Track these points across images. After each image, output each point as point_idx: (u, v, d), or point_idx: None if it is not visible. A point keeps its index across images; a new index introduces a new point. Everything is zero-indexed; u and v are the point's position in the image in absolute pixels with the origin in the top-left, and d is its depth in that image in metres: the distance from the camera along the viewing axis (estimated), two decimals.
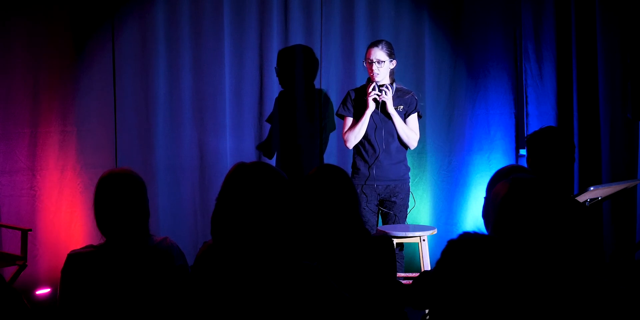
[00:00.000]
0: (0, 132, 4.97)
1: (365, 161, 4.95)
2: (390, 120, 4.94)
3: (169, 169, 5.28)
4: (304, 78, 5.52)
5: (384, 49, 4.92)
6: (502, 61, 5.88)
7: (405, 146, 5.01)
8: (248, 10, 5.38)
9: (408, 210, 5.06)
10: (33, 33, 4.97)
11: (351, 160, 5.10)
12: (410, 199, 5.05)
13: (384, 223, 5.02)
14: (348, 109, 4.99)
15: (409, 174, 5.08)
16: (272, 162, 5.46)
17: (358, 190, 4.85)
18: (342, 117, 5.04)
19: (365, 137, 4.94)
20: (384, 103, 4.90)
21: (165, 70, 5.24)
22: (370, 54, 4.92)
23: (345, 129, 4.98)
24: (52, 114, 5.03)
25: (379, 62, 4.88)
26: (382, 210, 5.00)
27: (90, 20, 5.08)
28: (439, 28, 5.79)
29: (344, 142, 4.98)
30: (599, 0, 5.65)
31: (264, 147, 5.48)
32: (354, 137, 4.93)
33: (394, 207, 4.96)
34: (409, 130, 4.97)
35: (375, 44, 4.96)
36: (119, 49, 5.13)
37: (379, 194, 4.95)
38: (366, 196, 4.89)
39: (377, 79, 4.91)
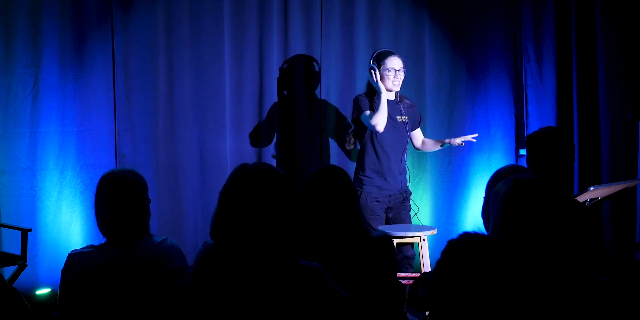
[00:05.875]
0: (0, 132, 4.97)
1: (382, 171, 4.91)
2: (405, 129, 4.96)
3: (169, 168, 5.28)
4: (303, 78, 5.52)
5: (399, 57, 4.94)
6: (502, 61, 5.88)
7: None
8: (248, 10, 5.38)
9: (412, 214, 5.08)
10: (33, 32, 4.97)
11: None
12: (412, 205, 5.06)
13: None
14: (365, 104, 4.90)
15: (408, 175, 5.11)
16: (272, 162, 5.46)
17: (369, 200, 4.84)
18: (359, 120, 4.94)
19: (382, 146, 4.90)
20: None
21: (165, 70, 5.24)
22: (391, 63, 4.90)
23: (369, 118, 4.86)
24: (52, 114, 5.04)
25: (400, 69, 4.90)
26: (389, 216, 4.98)
27: (90, 20, 5.08)
28: (439, 28, 5.79)
29: (373, 127, 4.82)
30: (599, 0, 5.66)
31: (264, 147, 5.48)
32: (382, 117, 4.80)
33: (402, 212, 4.96)
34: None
35: (391, 52, 4.96)
36: (119, 49, 5.13)
37: (389, 201, 4.93)
38: (379, 203, 4.87)
39: (397, 88, 4.92)
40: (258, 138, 5.47)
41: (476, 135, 5.17)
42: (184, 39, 5.26)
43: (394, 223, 4.96)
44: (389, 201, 4.93)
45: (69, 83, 5.07)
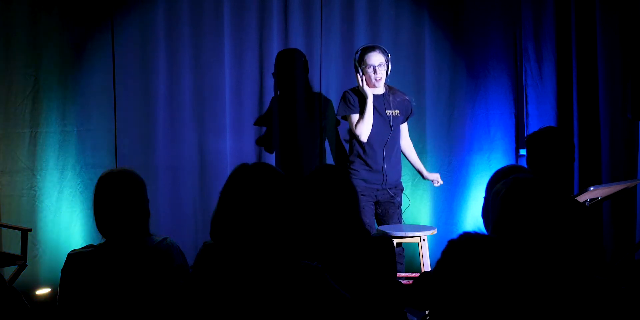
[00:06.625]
0: (0, 132, 4.97)
1: (368, 165, 4.90)
2: (394, 123, 4.91)
3: (168, 168, 5.28)
4: (303, 78, 5.52)
5: (381, 52, 4.89)
6: (502, 61, 5.88)
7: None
8: (248, 10, 5.38)
9: (404, 209, 5.07)
10: (33, 32, 4.97)
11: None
12: (405, 199, 5.05)
13: (381, 222, 5.01)
14: (353, 105, 4.90)
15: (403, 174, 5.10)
16: (273, 162, 5.46)
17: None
18: (347, 117, 4.98)
19: (369, 142, 4.89)
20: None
21: (165, 70, 5.24)
22: (370, 59, 4.85)
23: (354, 124, 4.91)
24: (52, 114, 5.04)
25: (380, 65, 4.84)
26: (378, 211, 4.98)
27: (90, 20, 5.08)
28: (439, 28, 5.78)
29: (357, 137, 4.87)
30: (599, 0, 5.66)
31: (264, 147, 5.48)
32: (366, 127, 4.83)
33: (390, 208, 4.95)
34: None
35: (372, 48, 4.91)
36: (119, 49, 5.13)
37: (375, 196, 4.93)
38: (364, 196, 4.86)
39: (379, 84, 4.87)
40: (258, 138, 5.47)
41: (440, 183, 5.26)
42: (184, 39, 5.26)
43: (382, 218, 4.96)
44: (376, 195, 4.92)
45: (69, 83, 5.07)
